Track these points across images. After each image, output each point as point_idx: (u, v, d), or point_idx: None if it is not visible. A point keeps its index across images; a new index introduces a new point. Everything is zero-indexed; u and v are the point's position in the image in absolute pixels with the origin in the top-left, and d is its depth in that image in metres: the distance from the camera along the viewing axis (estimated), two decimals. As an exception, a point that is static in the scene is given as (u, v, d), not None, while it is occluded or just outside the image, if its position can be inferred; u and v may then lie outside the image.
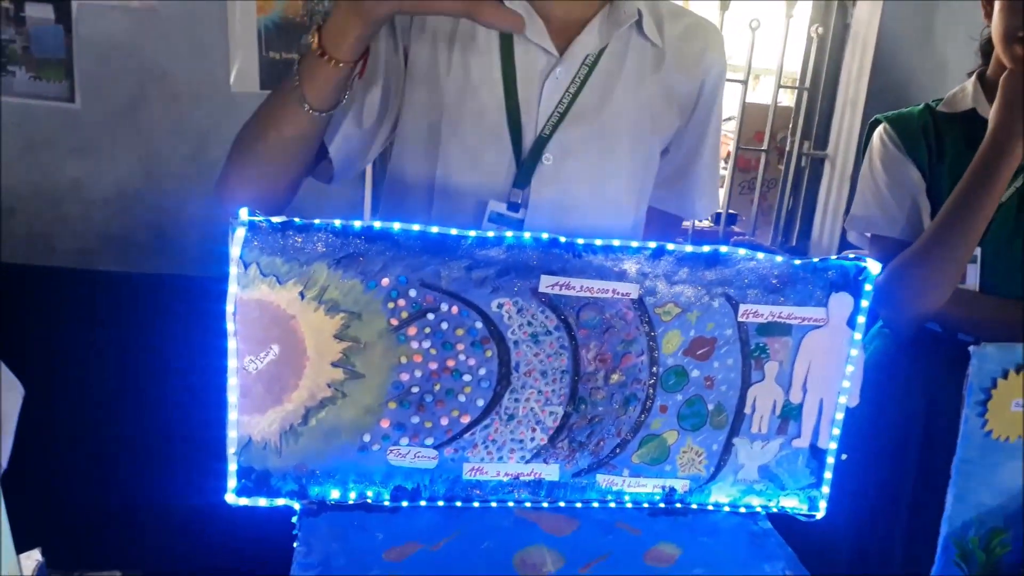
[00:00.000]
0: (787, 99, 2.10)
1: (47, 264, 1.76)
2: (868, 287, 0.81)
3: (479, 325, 0.79)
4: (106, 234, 1.78)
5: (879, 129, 1.25)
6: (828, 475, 0.87)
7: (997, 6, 1.12)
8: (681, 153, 1.06)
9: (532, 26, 0.93)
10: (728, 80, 2.17)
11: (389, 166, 1.01)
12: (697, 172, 1.07)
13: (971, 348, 0.90)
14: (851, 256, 1.41)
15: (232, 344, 0.76)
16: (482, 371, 0.81)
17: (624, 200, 1.01)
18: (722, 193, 2.06)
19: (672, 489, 0.86)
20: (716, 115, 1.06)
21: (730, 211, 2.03)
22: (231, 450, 0.79)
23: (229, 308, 0.75)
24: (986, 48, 1.23)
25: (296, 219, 0.74)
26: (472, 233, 0.77)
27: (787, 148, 2.01)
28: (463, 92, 0.94)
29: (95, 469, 1.70)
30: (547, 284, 0.79)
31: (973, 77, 1.22)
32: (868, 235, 1.26)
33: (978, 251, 1.15)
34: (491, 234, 0.77)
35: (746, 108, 2.04)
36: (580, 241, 0.79)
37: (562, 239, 0.79)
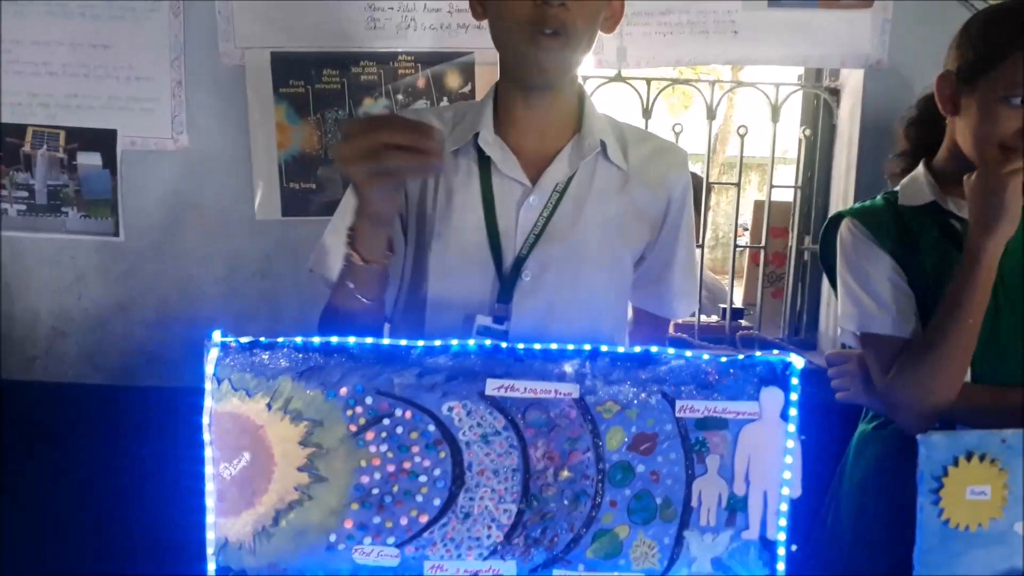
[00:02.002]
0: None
1: (91, 382, 1.91)
2: (795, 380, 0.85)
3: (432, 428, 0.86)
4: (147, 352, 1.93)
5: (845, 225, 1.21)
6: (781, 566, 0.88)
7: (979, 109, 1.09)
8: (657, 261, 1.18)
9: (507, 162, 1.07)
10: (723, 183, 2.25)
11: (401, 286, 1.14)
12: (672, 278, 1.18)
13: (918, 437, 0.91)
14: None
15: (208, 452, 0.85)
16: (437, 472, 0.87)
17: (600, 306, 1.11)
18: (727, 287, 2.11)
19: (628, 583, 0.89)
20: (685, 226, 1.17)
21: (735, 306, 2.07)
22: (210, 551, 0.87)
23: (205, 420, 0.85)
24: (911, 131, 1.27)
25: (262, 338, 0.84)
26: (420, 343, 0.85)
27: (789, 244, 2.06)
28: (449, 220, 1.07)
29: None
30: (493, 387, 0.86)
31: (922, 167, 1.22)
32: (858, 334, 1.20)
33: None
34: (438, 343, 0.85)
35: (755, 206, 2.12)
36: (520, 346, 0.86)
37: (503, 345, 0.86)
